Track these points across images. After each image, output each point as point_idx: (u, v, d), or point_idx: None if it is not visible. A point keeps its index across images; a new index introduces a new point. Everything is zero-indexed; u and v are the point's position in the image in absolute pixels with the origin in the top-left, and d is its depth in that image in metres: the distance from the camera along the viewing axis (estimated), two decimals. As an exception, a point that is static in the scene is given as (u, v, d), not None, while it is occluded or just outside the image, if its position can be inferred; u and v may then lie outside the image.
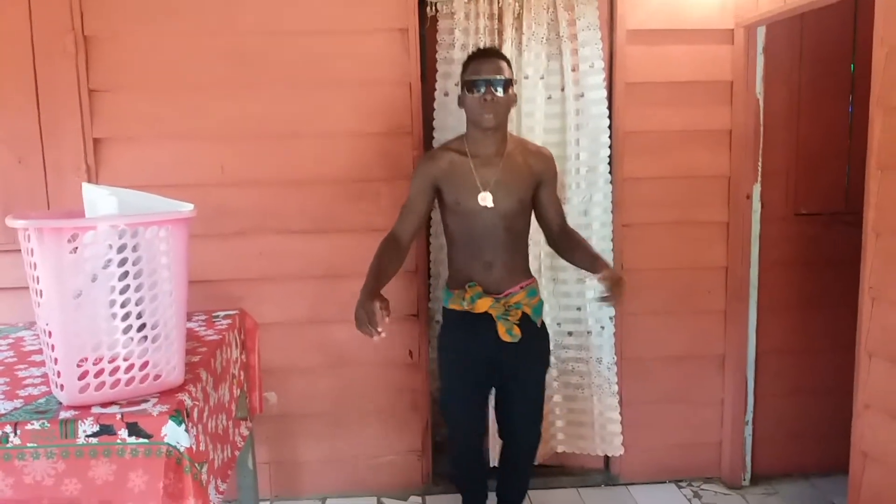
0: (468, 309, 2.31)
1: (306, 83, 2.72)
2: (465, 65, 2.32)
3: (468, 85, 2.26)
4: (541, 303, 2.42)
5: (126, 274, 1.60)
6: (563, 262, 2.83)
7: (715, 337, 2.99)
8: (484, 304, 2.30)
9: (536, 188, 2.38)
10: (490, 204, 2.28)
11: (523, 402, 2.43)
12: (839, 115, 2.93)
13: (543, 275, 2.85)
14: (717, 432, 3.04)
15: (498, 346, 2.31)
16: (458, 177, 2.31)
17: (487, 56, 2.28)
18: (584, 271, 2.45)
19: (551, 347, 2.62)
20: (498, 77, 2.23)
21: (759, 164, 2.84)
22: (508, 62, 2.31)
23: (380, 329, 2.06)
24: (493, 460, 2.88)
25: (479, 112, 2.24)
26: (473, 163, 2.30)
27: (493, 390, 2.50)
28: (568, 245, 2.41)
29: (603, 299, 2.18)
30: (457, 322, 2.37)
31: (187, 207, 1.70)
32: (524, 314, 2.34)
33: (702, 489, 3.00)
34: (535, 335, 2.39)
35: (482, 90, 2.22)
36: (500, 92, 2.23)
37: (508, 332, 2.30)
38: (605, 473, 3.08)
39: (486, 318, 2.31)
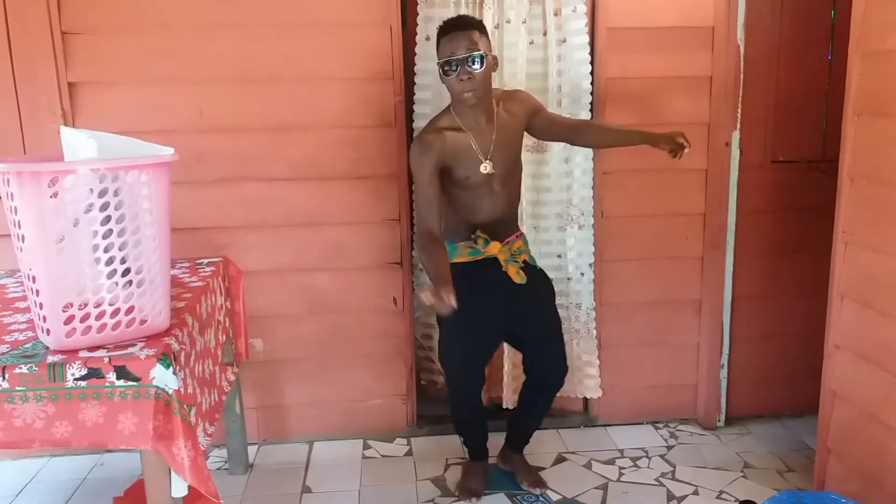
0: (483, 250, 2.36)
1: (285, 24, 2.67)
2: (438, 40, 2.26)
3: (443, 66, 2.22)
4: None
5: (108, 218, 1.60)
6: (543, 211, 2.88)
7: (692, 282, 3.04)
8: (495, 247, 2.36)
9: (528, 127, 2.44)
10: (491, 170, 2.33)
11: (547, 335, 2.48)
12: (818, 62, 2.92)
13: (525, 223, 2.86)
14: (693, 375, 3.12)
15: (508, 291, 2.36)
16: (461, 154, 2.31)
17: (458, 30, 2.22)
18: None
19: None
20: (472, 54, 2.19)
21: (739, 111, 2.85)
22: (481, 26, 2.27)
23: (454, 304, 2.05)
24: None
25: (459, 92, 2.24)
26: (471, 136, 2.32)
27: (506, 337, 2.57)
28: (593, 129, 2.56)
29: (672, 153, 2.27)
30: (463, 275, 2.29)
31: (168, 151, 1.69)
32: (524, 261, 2.44)
33: (678, 430, 3.09)
34: (538, 274, 2.50)
35: (457, 71, 2.20)
36: (476, 67, 2.20)
37: (518, 274, 2.37)
38: (584, 415, 3.16)
39: (493, 268, 2.37)
